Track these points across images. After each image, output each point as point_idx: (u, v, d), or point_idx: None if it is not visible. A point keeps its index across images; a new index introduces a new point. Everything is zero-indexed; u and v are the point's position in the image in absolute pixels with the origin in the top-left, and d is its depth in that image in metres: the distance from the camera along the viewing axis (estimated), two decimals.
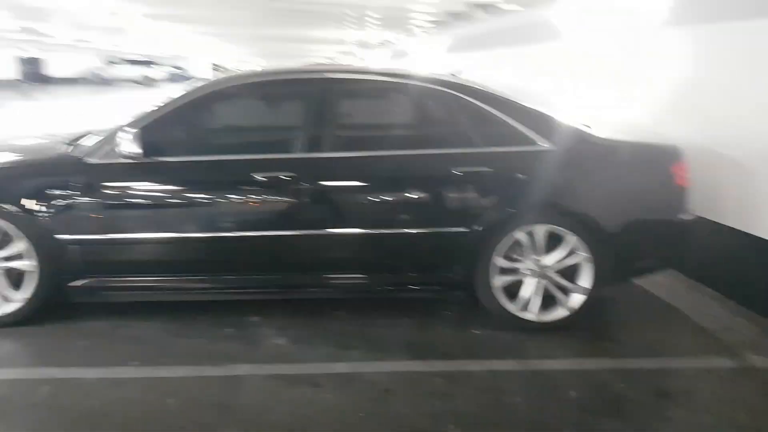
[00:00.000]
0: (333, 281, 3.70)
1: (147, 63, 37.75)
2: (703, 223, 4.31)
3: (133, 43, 28.09)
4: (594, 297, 3.64)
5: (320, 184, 3.56)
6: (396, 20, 12.53)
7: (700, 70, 4.61)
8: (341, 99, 3.82)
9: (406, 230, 3.62)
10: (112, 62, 37.52)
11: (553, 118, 3.86)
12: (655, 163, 3.84)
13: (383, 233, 3.62)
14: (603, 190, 3.69)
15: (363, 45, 22.24)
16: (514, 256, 3.64)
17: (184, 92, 3.76)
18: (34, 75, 35.01)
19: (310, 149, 3.60)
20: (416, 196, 3.63)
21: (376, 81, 4.05)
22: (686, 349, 3.58)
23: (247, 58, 41.63)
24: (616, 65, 5.83)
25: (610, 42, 6.10)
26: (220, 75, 5.21)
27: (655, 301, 4.27)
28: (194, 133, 3.98)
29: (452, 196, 3.62)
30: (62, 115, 17.32)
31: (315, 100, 3.72)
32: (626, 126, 4.70)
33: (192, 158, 3.66)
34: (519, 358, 3.35)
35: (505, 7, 8.12)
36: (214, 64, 44.33)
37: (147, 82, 36.04)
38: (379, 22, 13.25)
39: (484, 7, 8.93)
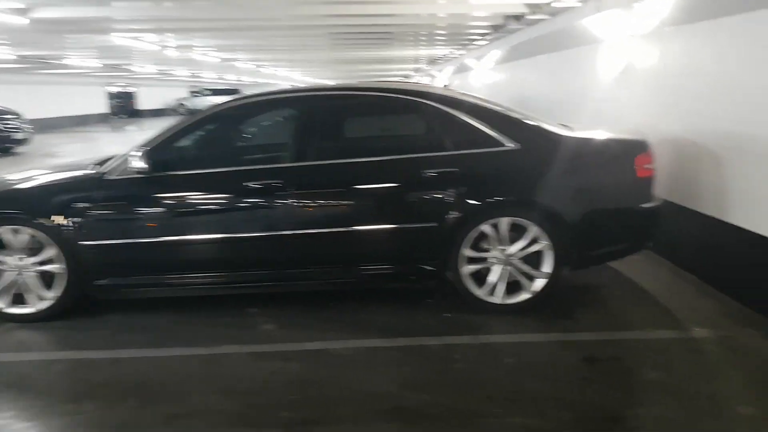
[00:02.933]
0: (315, 274, 4.08)
1: (230, 92, 39.23)
2: (685, 211, 4.47)
3: (213, 74, 29.75)
4: (555, 281, 3.90)
5: (304, 190, 3.98)
6: (456, 36, 13.12)
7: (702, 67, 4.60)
8: (324, 114, 4.25)
9: (381, 227, 3.98)
10: (195, 93, 39.53)
11: (521, 120, 4.15)
12: (617, 156, 4.07)
13: (360, 230, 3.99)
14: (563, 183, 3.92)
15: (432, 61, 22.82)
16: (482, 246, 3.96)
17: (187, 116, 4.31)
18: (122, 108, 37.44)
19: (297, 159, 4.05)
20: (390, 196, 4.01)
21: (357, 96, 4.49)
22: (638, 324, 3.79)
23: (323, 81, 43.04)
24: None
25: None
26: None
27: (629, 284, 4.46)
28: (195, 150, 4.47)
29: (424, 195, 3.97)
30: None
31: (299, 116, 4.19)
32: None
33: (192, 171, 4.17)
34: (475, 334, 3.67)
35: (534, 17, 8.37)
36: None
37: None
38: (444, 39, 13.87)
39: (517, 18, 9.15)
